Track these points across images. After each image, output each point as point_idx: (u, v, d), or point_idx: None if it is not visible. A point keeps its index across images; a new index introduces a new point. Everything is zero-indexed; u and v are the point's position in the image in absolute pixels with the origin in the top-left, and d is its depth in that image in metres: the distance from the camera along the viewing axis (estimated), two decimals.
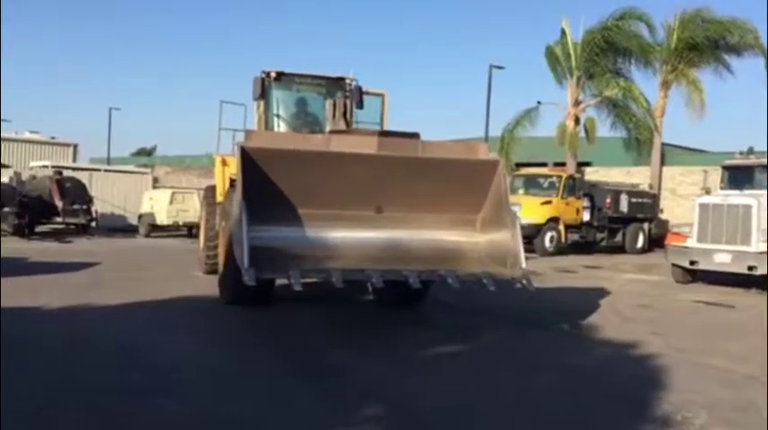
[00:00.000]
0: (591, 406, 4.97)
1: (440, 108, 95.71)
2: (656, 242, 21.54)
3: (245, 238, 6.20)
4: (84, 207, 21.25)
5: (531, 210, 18.76)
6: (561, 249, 19.91)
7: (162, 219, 23.43)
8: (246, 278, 6.07)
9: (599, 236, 21.97)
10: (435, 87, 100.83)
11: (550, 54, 26.80)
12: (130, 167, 32.25)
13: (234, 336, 7.12)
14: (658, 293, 11.79)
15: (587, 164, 30.03)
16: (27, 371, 5.22)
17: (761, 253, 11.61)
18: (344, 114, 10.36)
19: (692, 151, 32.41)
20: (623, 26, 25.55)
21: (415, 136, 7.59)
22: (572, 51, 25.66)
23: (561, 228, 20.02)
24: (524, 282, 6.82)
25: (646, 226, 23.14)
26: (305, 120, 10.77)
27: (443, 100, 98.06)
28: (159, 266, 13.21)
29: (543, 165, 24.00)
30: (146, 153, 65.98)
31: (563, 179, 20.81)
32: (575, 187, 21.08)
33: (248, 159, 6.68)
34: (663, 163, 28.92)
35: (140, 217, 24.67)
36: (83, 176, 23.50)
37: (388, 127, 10.84)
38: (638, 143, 26.06)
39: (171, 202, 23.40)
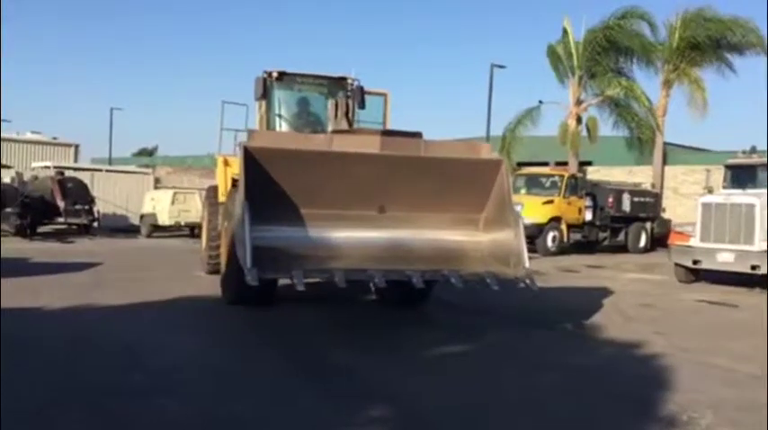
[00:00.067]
0: (595, 405, 4.96)
1: (441, 108, 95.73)
2: (658, 241, 21.50)
3: (248, 238, 6.19)
4: (86, 207, 21.22)
5: (533, 209, 18.71)
6: (563, 249, 19.87)
7: (164, 220, 23.39)
8: (249, 278, 6.06)
9: (601, 235, 21.91)
10: (436, 87, 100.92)
11: (552, 53, 26.81)
12: (132, 168, 32.26)
13: (236, 336, 7.11)
14: (661, 293, 11.77)
15: (589, 163, 30.01)
16: (27, 371, 5.21)
17: (764, 252, 11.58)
18: (347, 114, 10.37)
19: (694, 150, 32.36)
20: (625, 25, 25.54)
21: (417, 135, 7.57)
22: (574, 50, 25.68)
23: (563, 227, 19.96)
24: (527, 281, 6.80)
25: (648, 225, 23.08)
26: (307, 120, 10.76)
27: (445, 99, 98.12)
28: (161, 266, 13.20)
29: (545, 164, 24.02)
30: (147, 153, 66.03)
31: (565, 178, 20.73)
32: (577, 186, 21.01)
33: (251, 159, 6.67)
34: (665, 162, 28.86)
35: (142, 217, 24.65)
36: (84, 177, 23.47)
37: (390, 127, 10.81)
38: (641, 142, 26.08)
39: (173, 203, 23.36)
